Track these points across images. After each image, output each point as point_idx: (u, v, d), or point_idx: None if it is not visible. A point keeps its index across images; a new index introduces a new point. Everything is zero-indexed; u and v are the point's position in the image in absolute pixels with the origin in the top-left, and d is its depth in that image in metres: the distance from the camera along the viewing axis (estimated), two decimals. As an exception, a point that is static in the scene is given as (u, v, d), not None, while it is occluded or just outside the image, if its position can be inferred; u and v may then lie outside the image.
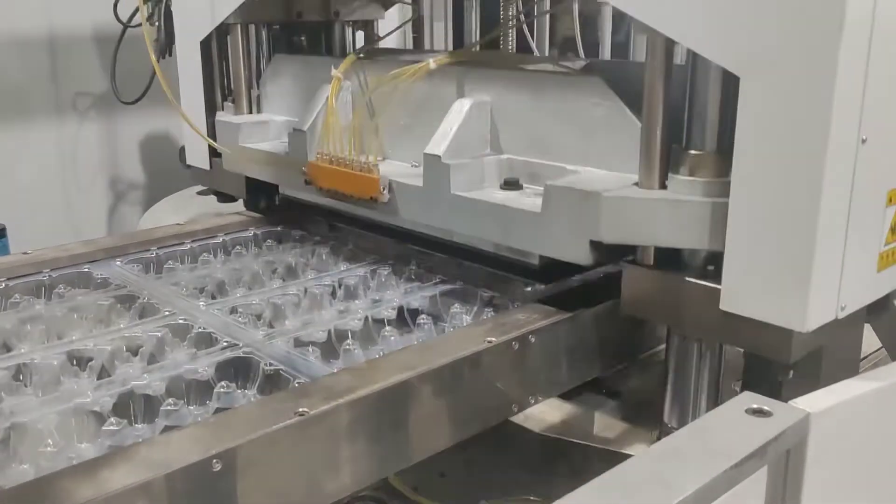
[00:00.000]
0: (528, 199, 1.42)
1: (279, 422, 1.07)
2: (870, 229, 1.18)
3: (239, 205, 2.41)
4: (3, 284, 1.66)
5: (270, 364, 1.30)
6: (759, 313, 1.15)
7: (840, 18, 1.02)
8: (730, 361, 1.40)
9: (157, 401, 1.24)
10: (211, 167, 2.12)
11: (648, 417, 1.52)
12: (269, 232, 2.03)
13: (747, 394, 1.10)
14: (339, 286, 1.66)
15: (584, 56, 2.95)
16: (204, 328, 1.44)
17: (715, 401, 1.42)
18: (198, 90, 2.08)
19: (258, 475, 1.04)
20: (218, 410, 1.23)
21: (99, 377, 1.30)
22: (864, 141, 1.10)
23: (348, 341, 1.41)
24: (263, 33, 2.09)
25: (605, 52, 3.12)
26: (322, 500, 1.12)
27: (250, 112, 2.06)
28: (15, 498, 0.93)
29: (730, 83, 1.17)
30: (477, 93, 1.57)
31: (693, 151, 1.23)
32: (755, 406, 1.06)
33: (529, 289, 1.53)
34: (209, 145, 2.05)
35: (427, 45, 3.05)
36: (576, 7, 2.95)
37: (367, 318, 1.51)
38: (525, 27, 2.85)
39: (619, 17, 3.03)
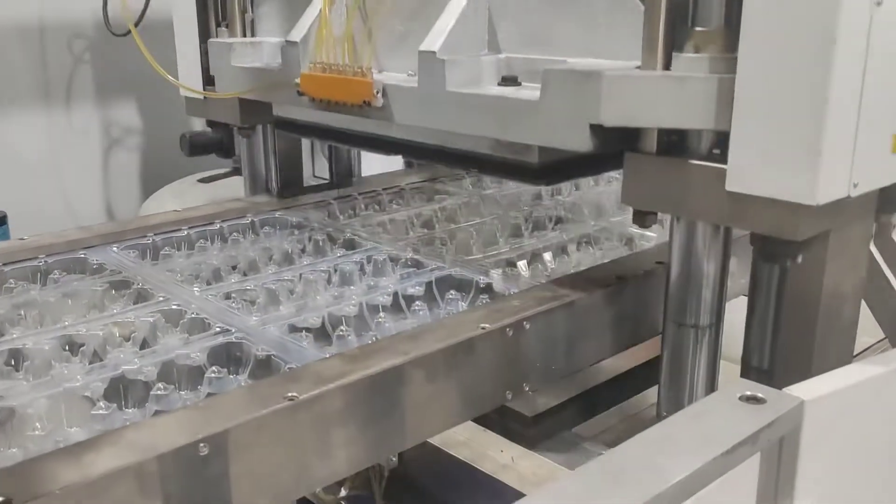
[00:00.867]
0: (527, 92, 1.39)
1: (268, 406, 1.06)
2: (884, 105, 1.14)
3: (237, 191, 2.42)
4: (-1, 270, 1.66)
5: (262, 349, 1.29)
6: (766, 190, 1.12)
7: None
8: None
9: (148, 386, 1.23)
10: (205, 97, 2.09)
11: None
12: (266, 219, 2.02)
13: (741, 380, 1.08)
14: (335, 272, 1.65)
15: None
16: (197, 314, 1.43)
17: (711, 388, 1.41)
18: (191, 15, 2.06)
19: (246, 460, 1.03)
20: (209, 396, 1.22)
21: (91, 362, 1.30)
22: (879, 3, 1.05)
23: (342, 327, 1.40)
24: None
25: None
26: (312, 486, 1.12)
27: (244, 36, 2.03)
28: None
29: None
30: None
31: (699, 28, 1.19)
32: (748, 393, 1.05)
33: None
34: (202, 72, 2.03)
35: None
36: None
37: (361, 304, 1.50)
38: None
39: None
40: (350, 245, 1.83)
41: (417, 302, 1.50)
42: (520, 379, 1.36)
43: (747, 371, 1.48)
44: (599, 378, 1.71)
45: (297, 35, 1.75)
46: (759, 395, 1.05)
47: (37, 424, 1.11)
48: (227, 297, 1.53)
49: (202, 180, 2.97)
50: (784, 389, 1.07)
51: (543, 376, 1.41)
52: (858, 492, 1.15)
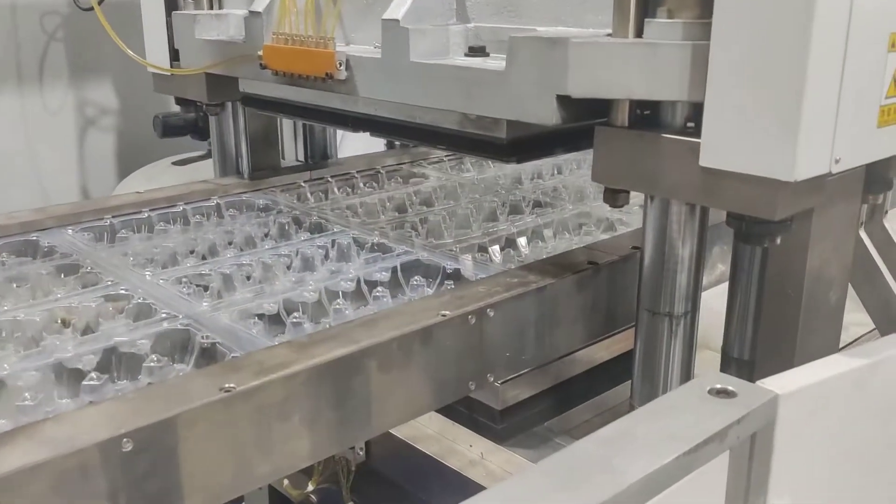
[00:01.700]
0: (493, 63, 1.31)
1: (202, 398, 0.99)
2: (869, 76, 1.06)
3: (202, 174, 2.34)
4: (-54, 252, 1.58)
5: (207, 337, 1.21)
6: (742, 166, 1.04)
7: None
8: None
9: (83, 375, 1.15)
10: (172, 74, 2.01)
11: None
12: (233, 201, 1.94)
13: (712, 373, 1.01)
14: (297, 256, 1.57)
15: None
16: (144, 299, 1.35)
17: (687, 380, 1.34)
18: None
19: (175, 456, 0.96)
20: (143, 387, 1.14)
21: (27, 349, 1.22)
22: None
23: (296, 314, 1.32)
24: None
25: None
26: (252, 483, 1.04)
27: (211, 8, 1.95)
28: None
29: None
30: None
31: None
32: (719, 386, 0.97)
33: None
34: (169, 46, 1.96)
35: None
36: None
37: (322, 289, 1.42)
38: None
39: None
40: (316, 229, 1.75)
41: (379, 288, 1.42)
42: (484, 369, 1.28)
43: (727, 362, 1.41)
44: (574, 370, 1.64)
45: (260, 5, 1.67)
46: (731, 388, 0.97)
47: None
48: (180, 281, 1.45)
49: (177, 163, 2.89)
50: (757, 382, 1.00)
51: (510, 366, 1.34)
52: (836, 490, 1.07)
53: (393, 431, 1.55)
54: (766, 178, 1.02)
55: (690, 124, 1.14)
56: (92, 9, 2.26)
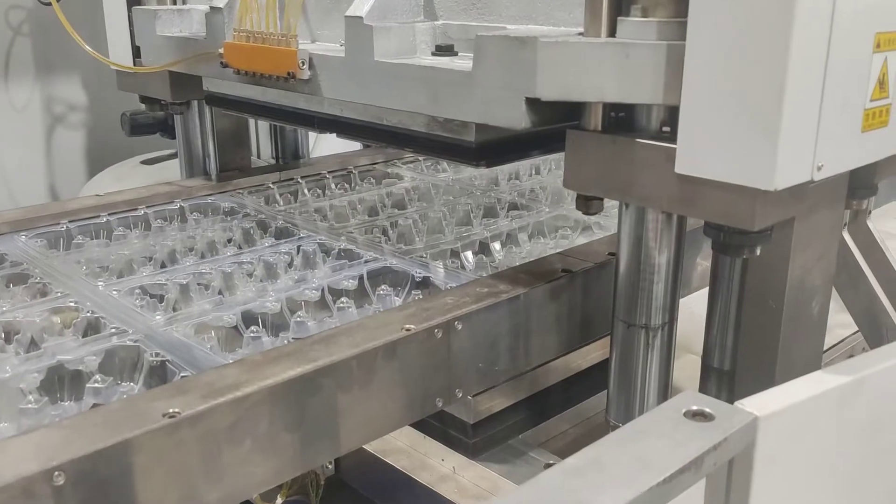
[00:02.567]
0: (461, 62, 1.25)
1: (143, 426, 0.92)
2: (852, 78, 1.00)
3: (172, 173, 2.26)
4: None
5: (157, 354, 1.14)
6: (719, 173, 0.98)
7: None
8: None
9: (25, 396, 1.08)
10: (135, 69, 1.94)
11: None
12: (197, 204, 1.87)
13: (688, 393, 0.95)
14: (260, 263, 1.50)
15: None
16: (93, 312, 1.28)
17: (665, 394, 1.28)
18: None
19: (113, 490, 0.89)
20: (78, 414, 1.07)
21: (-35, 368, 1.15)
22: None
23: (254, 327, 1.25)
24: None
25: None
26: (199, 515, 0.98)
27: (174, 4, 1.89)
28: None
29: None
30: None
31: None
32: (695, 408, 0.91)
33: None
34: (132, 43, 1.89)
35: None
36: None
37: (283, 300, 1.36)
38: None
39: None
40: (282, 234, 1.68)
41: (343, 299, 1.36)
42: (452, 384, 1.22)
43: (707, 373, 1.36)
44: (550, 379, 1.58)
45: (222, 0, 1.59)
46: (708, 409, 0.92)
47: None
48: (133, 292, 1.37)
49: (146, 162, 2.80)
50: (736, 403, 0.94)
51: (480, 380, 1.28)
52: (820, 517, 1.02)
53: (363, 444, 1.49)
54: (744, 187, 0.96)
55: (666, 129, 1.08)
56: (49, 3, 2.18)
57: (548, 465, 1.45)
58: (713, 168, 0.98)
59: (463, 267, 1.51)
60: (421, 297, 1.37)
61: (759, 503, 0.92)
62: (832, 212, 1.20)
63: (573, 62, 1.06)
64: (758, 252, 1.10)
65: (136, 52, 1.95)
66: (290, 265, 1.52)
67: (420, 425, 1.54)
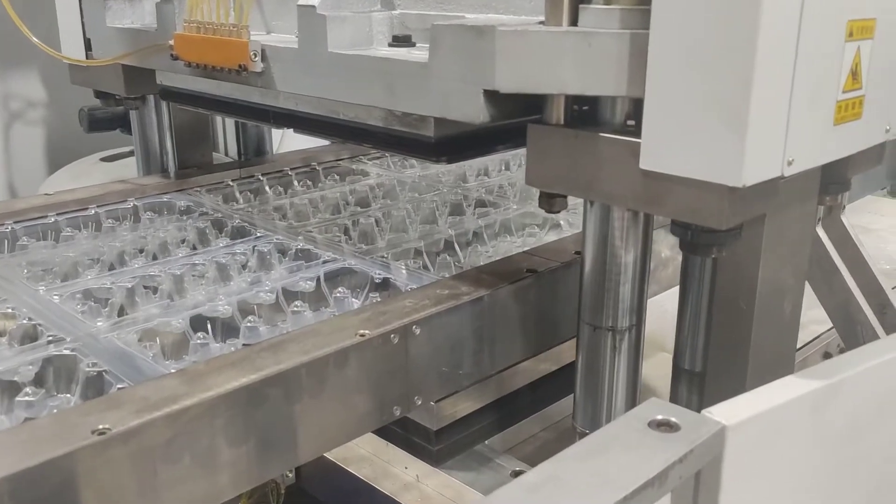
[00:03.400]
0: (418, 54, 1.20)
1: (70, 444, 0.85)
2: (824, 68, 0.96)
3: (133, 171, 2.18)
4: None
5: (94, 364, 1.07)
6: (685, 169, 0.93)
7: None
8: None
9: (-52, 411, 1.01)
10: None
11: None
12: (152, 203, 1.79)
13: (653, 402, 0.90)
14: (212, 265, 1.43)
15: None
16: (30, 319, 1.21)
17: (633, 398, 1.24)
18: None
19: (35, 513, 0.82)
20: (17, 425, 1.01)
21: None
22: None
23: (201, 334, 1.19)
24: None
25: None
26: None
27: None
28: None
29: None
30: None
31: None
32: (660, 417, 0.86)
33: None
34: (84, 36, 1.82)
35: None
36: None
37: (235, 304, 1.29)
38: None
39: None
40: (238, 233, 1.62)
41: (298, 302, 1.30)
42: (410, 392, 1.16)
43: (678, 374, 1.32)
44: (517, 382, 1.53)
45: None
46: (673, 419, 0.87)
47: None
48: (75, 297, 1.30)
49: (105, 159, 2.72)
50: (703, 411, 0.89)
51: (441, 387, 1.22)
52: (792, 529, 0.97)
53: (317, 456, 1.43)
54: (711, 183, 0.91)
55: (631, 122, 1.03)
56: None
57: (515, 473, 1.40)
58: (679, 163, 0.93)
59: (426, 267, 1.45)
60: (379, 299, 1.31)
61: (728, 516, 0.88)
62: (804, 208, 1.15)
63: (533, 52, 1.01)
64: (723, 252, 1.05)
65: (89, 45, 1.87)
66: (244, 266, 1.45)
67: (383, 432, 1.49)
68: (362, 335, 1.09)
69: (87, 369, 1.07)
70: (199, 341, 1.18)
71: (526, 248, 1.48)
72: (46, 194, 1.80)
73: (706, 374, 1.28)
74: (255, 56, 1.35)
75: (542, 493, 0.77)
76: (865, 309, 1.78)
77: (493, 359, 1.28)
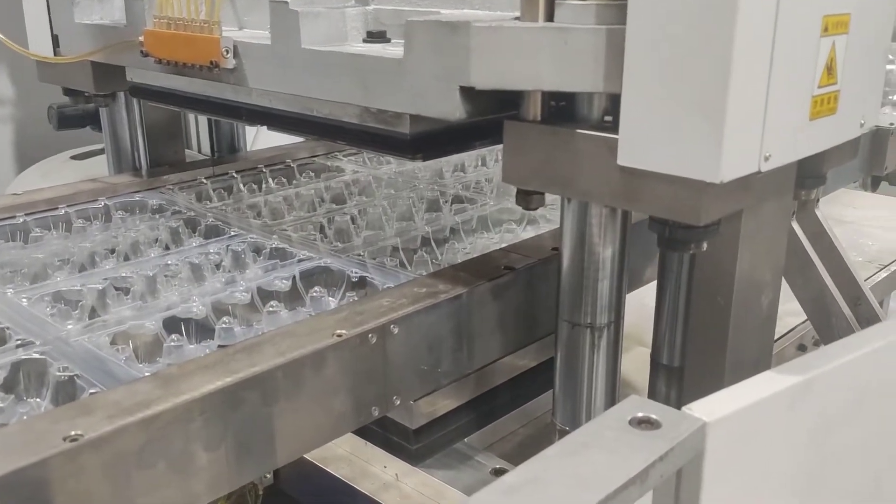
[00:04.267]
0: (393, 50, 1.19)
1: (40, 452, 0.83)
2: (800, 63, 0.96)
3: (104, 169, 2.14)
4: None
5: (65, 368, 1.05)
6: (663, 165, 0.93)
7: None
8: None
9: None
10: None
11: None
12: (123, 202, 1.76)
13: (633, 399, 0.89)
14: (185, 265, 1.41)
15: None
16: (-3, 322, 1.18)
17: (612, 395, 1.24)
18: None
19: (4, 524, 0.80)
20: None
21: None
22: None
23: (175, 336, 1.17)
24: None
25: None
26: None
27: None
28: None
29: None
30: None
31: None
32: (640, 415, 0.86)
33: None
34: (51, 32, 1.79)
35: None
36: None
37: (209, 304, 1.27)
38: None
39: None
40: (211, 232, 1.59)
41: (273, 303, 1.28)
42: (388, 392, 1.15)
43: (656, 369, 1.32)
44: (496, 379, 1.52)
45: None
46: (654, 416, 0.86)
47: None
48: (44, 299, 1.27)
49: (76, 157, 2.67)
50: (684, 408, 0.89)
51: (420, 386, 1.21)
52: (773, 524, 0.98)
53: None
54: (689, 179, 0.91)
55: (608, 118, 1.02)
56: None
57: (494, 470, 1.40)
58: (656, 160, 0.93)
59: (402, 265, 1.44)
60: (356, 298, 1.30)
61: (709, 513, 0.88)
62: (780, 203, 1.16)
63: (509, 48, 1.00)
64: (704, 247, 1.05)
65: (57, 42, 1.84)
66: (218, 266, 1.43)
67: (361, 431, 1.48)
68: (339, 335, 1.08)
69: (58, 374, 1.04)
70: (173, 343, 1.15)
71: (504, 245, 1.47)
72: (15, 194, 1.76)
73: (684, 370, 1.28)
74: (227, 52, 1.33)
75: (522, 494, 0.76)
76: (840, 301, 1.80)
77: (472, 357, 1.27)
